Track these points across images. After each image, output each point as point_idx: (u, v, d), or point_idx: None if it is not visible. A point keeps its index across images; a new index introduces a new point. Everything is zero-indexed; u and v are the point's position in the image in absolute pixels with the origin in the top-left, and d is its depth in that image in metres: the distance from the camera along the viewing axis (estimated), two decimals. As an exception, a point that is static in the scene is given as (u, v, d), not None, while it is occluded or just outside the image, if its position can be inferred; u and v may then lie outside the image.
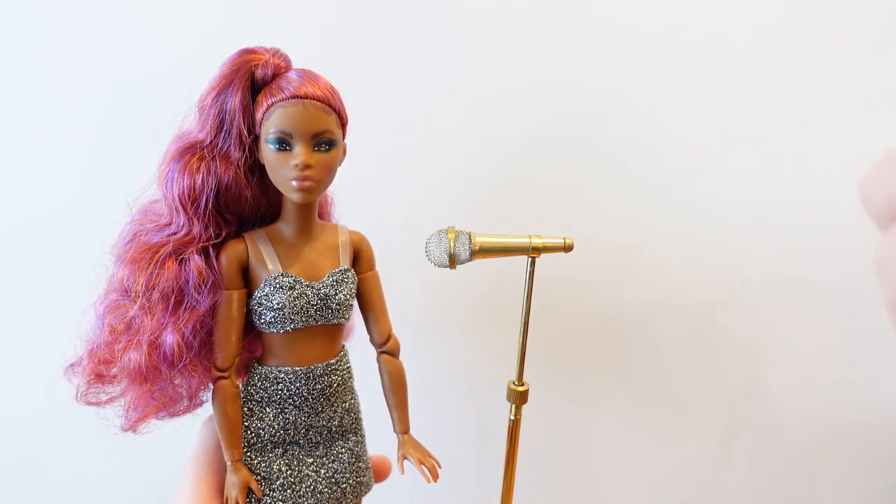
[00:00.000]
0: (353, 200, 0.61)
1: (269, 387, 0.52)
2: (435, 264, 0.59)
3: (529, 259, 0.59)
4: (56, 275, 0.78)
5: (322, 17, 0.76)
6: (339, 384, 0.54)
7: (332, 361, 0.53)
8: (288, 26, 0.76)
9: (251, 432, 0.52)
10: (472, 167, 0.81)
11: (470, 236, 0.58)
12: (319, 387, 0.53)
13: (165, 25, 0.75)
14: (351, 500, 0.56)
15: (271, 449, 0.53)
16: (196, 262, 0.48)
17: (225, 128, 0.48)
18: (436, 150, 0.81)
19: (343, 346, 0.56)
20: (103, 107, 0.76)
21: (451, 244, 0.58)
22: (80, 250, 0.55)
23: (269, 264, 0.50)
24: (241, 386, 0.54)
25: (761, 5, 0.79)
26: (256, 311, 0.51)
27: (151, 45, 0.75)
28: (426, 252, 0.59)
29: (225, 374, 0.51)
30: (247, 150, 0.49)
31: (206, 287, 0.49)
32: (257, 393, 0.52)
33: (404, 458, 0.56)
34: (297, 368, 0.52)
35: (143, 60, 0.75)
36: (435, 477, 0.54)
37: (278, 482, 0.52)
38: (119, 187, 0.49)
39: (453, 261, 0.58)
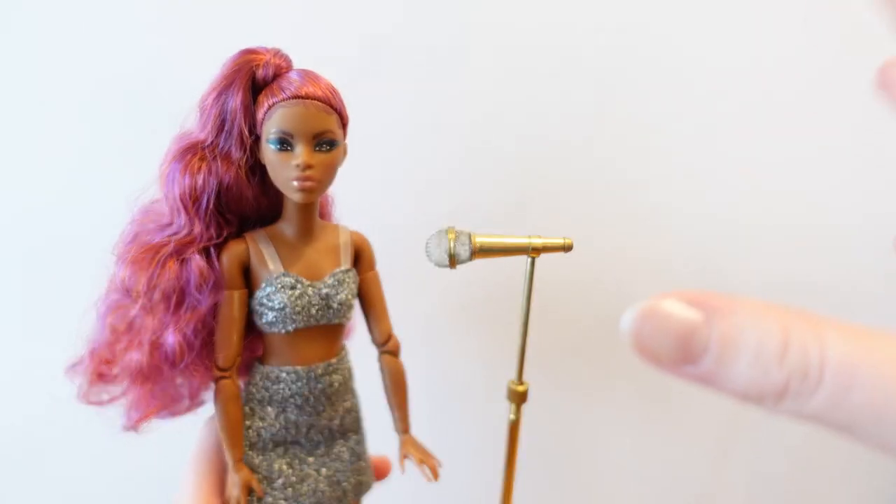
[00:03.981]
0: (353, 200, 0.61)
1: (271, 386, 0.52)
2: (435, 264, 0.59)
3: (529, 259, 0.59)
4: (58, 274, 0.78)
5: (323, 17, 0.77)
6: (340, 384, 0.54)
7: (333, 361, 0.54)
8: (288, 26, 0.76)
9: (252, 432, 0.52)
10: (472, 167, 0.82)
11: (470, 236, 0.58)
12: (320, 386, 0.53)
13: (167, 24, 0.75)
14: (351, 500, 0.56)
15: (272, 448, 0.53)
16: (197, 262, 0.48)
17: (226, 128, 0.48)
18: (436, 150, 0.81)
19: (344, 346, 0.56)
20: (104, 106, 0.76)
21: (451, 244, 0.58)
22: (82, 250, 0.55)
23: (270, 264, 0.50)
24: (242, 385, 0.54)
25: (763, 8, 0.79)
26: (258, 311, 0.51)
27: (152, 44, 0.75)
28: (426, 252, 0.59)
29: (226, 374, 0.51)
30: (248, 151, 0.49)
31: (207, 287, 0.49)
32: (258, 392, 0.52)
33: (405, 457, 0.56)
34: (299, 368, 0.52)
35: (144, 60, 0.75)
36: (435, 476, 0.55)
37: (279, 481, 0.52)
38: (120, 187, 0.49)
39: (453, 261, 0.58)
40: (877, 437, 0.16)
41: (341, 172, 0.52)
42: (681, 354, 0.17)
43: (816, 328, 0.16)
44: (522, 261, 0.60)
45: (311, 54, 0.51)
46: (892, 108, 0.28)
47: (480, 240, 0.58)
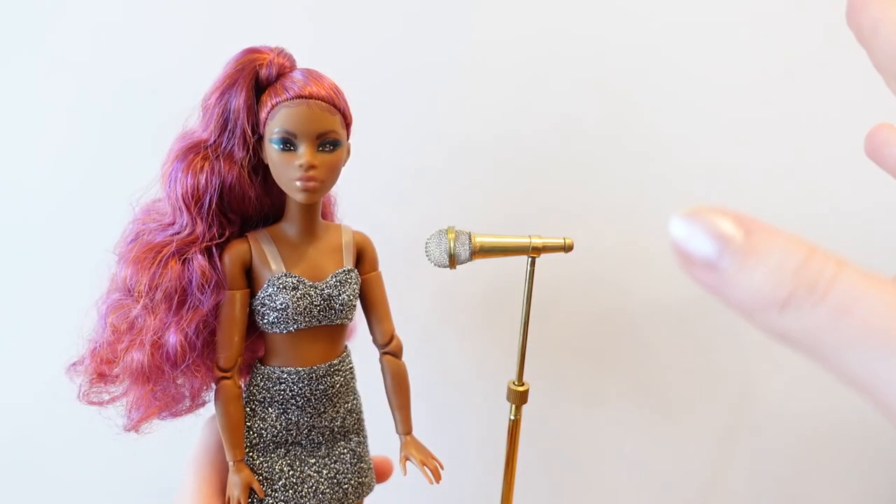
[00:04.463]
0: (353, 200, 0.61)
1: (272, 387, 0.52)
2: (435, 264, 0.59)
3: (529, 259, 0.59)
4: (59, 274, 0.77)
5: (325, 16, 0.76)
6: (341, 385, 0.54)
7: (334, 362, 0.53)
8: (291, 25, 0.76)
9: (253, 432, 0.52)
10: (472, 167, 0.82)
11: (470, 236, 0.58)
12: (322, 387, 0.53)
13: (169, 24, 0.75)
14: (353, 501, 0.55)
15: (273, 449, 0.53)
16: (199, 261, 0.48)
17: (229, 127, 0.48)
18: (437, 150, 0.81)
19: (346, 347, 0.56)
20: (107, 106, 0.76)
21: (451, 244, 0.58)
22: (84, 249, 0.55)
23: (272, 264, 0.50)
24: (243, 386, 0.54)
25: (767, 6, 0.80)
26: (259, 311, 0.51)
27: (155, 44, 0.75)
28: (426, 252, 0.59)
29: (227, 375, 0.51)
30: (250, 150, 0.49)
31: (209, 287, 0.48)
32: (260, 393, 0.52)
33: (406, 459, 0.56)
34: (300, 369, 0.52)
35: (147, 59, 0.75)
36: (437, 478, 0.54)
37: (280, 482, 0.52)
38: (122, 186, 0.49)
39: (453, 261, 0.58)
40: (856, 364, 0.17)
41: (343, 172, 0.52)
42: (709, 259, 0.19)
43: (838, 260, 0.18)
44: (522, 261, 0.60)
45: (313, 54, 0.51)
46: (886, 171, 0.30)
47: (480, 240, 0.58)
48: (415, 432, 0.58)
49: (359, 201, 0.61)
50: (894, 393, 0.17)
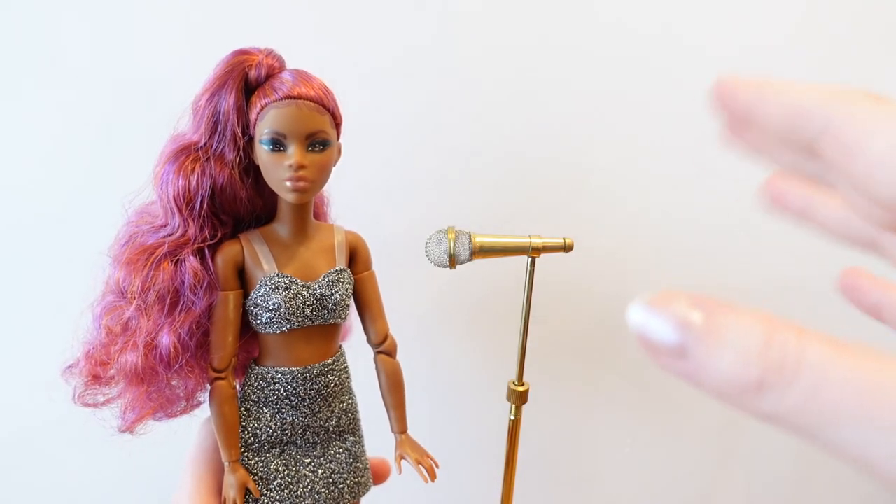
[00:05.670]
0: (352, 200, 0.61)
1: (266, 387, 0.52)
2: (435, 264, 0.59)
3: (529, 259, 0.59)
4: (53, 276, 0.78)
5: (318, 17, 0.76)
6: (336, 384, 0.54)
7: (328, 362, 0.53)
8: (283, 26, 0.76)
9: (248, 433, 0.52)
10: (472, 167, 0.81)
11: (470, 236, 0.58)
12: (316, 387, 0.53)
13: (160, 27, 0.75)
14: (348, 501, 0.56)
15: (269, 449, 0.53)
16: (192, 263, 0.48)
17: (219, 129, 0.48)
18: (435, 149, 0.81)
19: (340, 347, 0.56)
20: (99, 109, 0.76)
21: (451, 244, 0.57)
22: (77, 252, 0.55)
23: (264, 265, 0.50)
24: (238, 386, 0.54)
25: (761, 10, 0.78)
26: (252, 311, 0.51)
27: (146, 46, 0.75)
28: (426, 252, 0.59)
29: (222, 375, 0.51)
30: (241, 151, 0.49)
31: (201, 288, 0.49)
32: (254, 393, 0.52)
33: (402, 457, 0.56)
34: (294, 369, 0.52)
35: (139, 62, 0.75)
36: (432, 477, 0.54)
37: (276, 482, 0.52)
38: (115, 189, 0.49)
39: (453, 261, 0.58)
40: (842, 439, 0.17)
41: (340, 172, 0.51)
42: (676, 347, 0.18)
43: (799, 332, 0.17)
44: (522, 261, 0.59)
45: (310, 55, 0.51)
46: (793, 219, 0.29)
47: (480, 240, 0.58)
48: (415, 432, 0.58)
49: (359, 201, 0.61)
50: (882, 465, 0.16)
